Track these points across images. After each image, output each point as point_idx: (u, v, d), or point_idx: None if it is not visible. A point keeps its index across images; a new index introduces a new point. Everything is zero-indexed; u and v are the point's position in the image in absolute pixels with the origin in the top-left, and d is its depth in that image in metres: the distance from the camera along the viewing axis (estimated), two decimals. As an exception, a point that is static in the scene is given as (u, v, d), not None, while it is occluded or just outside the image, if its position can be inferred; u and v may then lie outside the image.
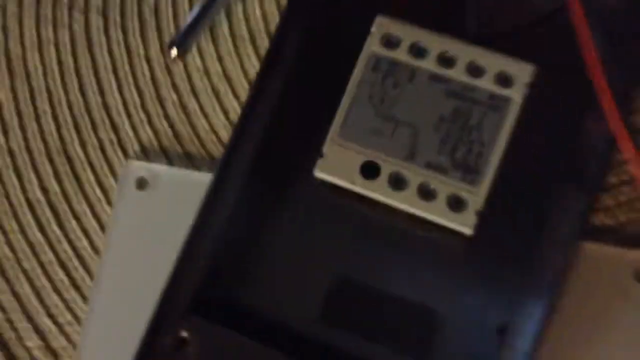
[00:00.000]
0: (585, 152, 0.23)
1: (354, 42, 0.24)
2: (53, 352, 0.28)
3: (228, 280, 0.24)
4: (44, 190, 0.30)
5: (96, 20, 0.31)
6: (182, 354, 0.22)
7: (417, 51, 0.24)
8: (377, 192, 0.24)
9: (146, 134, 0.30)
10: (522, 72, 0.23)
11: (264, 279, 0.24)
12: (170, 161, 0.29)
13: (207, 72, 0.30)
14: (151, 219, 0.28)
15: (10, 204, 0.30)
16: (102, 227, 0.29)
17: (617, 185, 0.27)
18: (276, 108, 0.25)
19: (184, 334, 0.23)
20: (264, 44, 0.30)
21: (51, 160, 0.30)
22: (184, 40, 0.28)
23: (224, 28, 0.30)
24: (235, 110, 0.29)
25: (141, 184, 0.29)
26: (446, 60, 0.24)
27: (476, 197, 0.23)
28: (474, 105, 0.23)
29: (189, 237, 0.24)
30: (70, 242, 0.29)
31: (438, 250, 0.24)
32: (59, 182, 0.30)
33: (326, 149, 0.24)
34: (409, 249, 0.24)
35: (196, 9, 0.28)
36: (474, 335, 0.23)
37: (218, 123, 0.29)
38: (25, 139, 0.30)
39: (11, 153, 0.30)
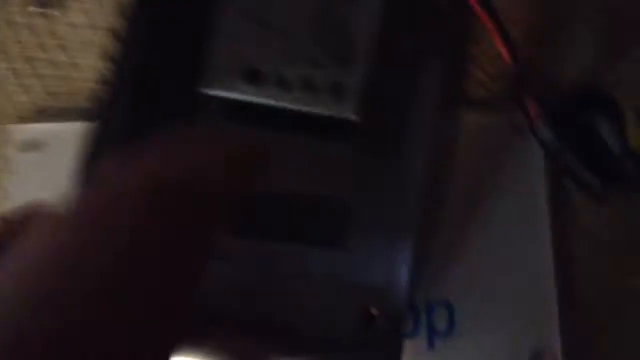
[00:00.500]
0: (441, 25, 0.25)
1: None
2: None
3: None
4: None
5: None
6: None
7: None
8: (264, 96, 0.24)
9: (21, 98, 0.29)
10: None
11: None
12: (50, 120, 0.28)
13: (73, 24, 0.29)
14: (44, 182, 0.28)
15: None
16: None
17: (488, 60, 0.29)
18: (149, 34, 0.25)
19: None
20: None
21: None
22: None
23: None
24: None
25: (26, 146, 0.28)
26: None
27: (353, 82, 0.24)
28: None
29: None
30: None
31: (331, 143, 0.25)
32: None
33: (207, 65, 0.24)
34: (305, 148, 0.25)
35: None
36: (377, 215, 0.25)
37: (91, 73, 0.29)
38: None
39: None
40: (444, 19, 0.25)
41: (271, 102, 0.24)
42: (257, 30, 0.25)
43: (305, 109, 0.24)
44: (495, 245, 0.27)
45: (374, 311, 0.23)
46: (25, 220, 0.13)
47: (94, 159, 0.23)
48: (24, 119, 0.28)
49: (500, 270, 0.27)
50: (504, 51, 0.23)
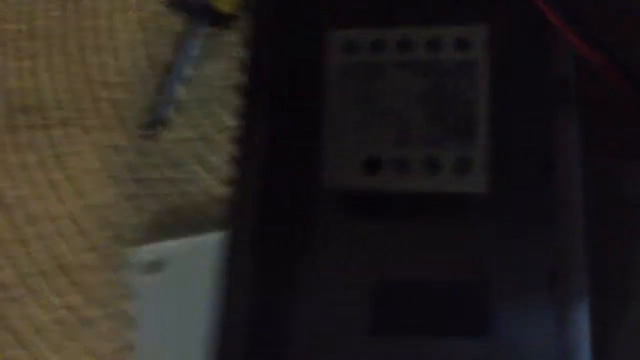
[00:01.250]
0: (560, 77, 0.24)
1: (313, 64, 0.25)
2: None
3: (273, 320, 0.23)
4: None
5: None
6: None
7: (377, 47, 0.25)
8: (385, 182, 0.24)
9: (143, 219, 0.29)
10: (476, 33, 0.25)
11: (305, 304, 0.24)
12: (175, 236, 0.29)
13: (184, 140, 0.30)
14: (170, 299, 0.27)
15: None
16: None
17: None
18: (267, 145, 0.25)
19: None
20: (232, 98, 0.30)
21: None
22: (154, 119, 0.28)
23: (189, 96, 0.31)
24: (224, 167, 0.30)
25: (152, 267, 0.28)
26: (405, 45, 0.25)
27: (478, 154, 0.24)
28: (446, 77, 0.25)
29: (224, 289, 0.23)
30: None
31: (462, 220, 0.24)
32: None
33: (326, 161, 0.24)
34: (436, 229, 0.24)
35: (157, 88, 0.29)
36: (526, 290, 0.23)
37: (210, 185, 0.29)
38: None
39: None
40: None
41: (393, 188, 0.24)
42: (371, 117, 0.25)
43: (429, 189, 0.24)
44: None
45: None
46: None
47: (231, 266, 0.23)
48: (141, 241, 0.29)
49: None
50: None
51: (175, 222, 0.29)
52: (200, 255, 0.27)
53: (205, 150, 0.30)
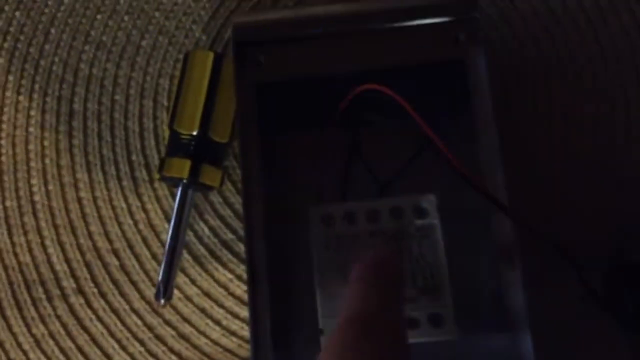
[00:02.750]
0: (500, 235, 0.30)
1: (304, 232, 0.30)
2: None
3: None
4: None
5: (76, 299, 0.35)
6: None
7: (349, 219, 0.30)
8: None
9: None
10: (430, 200, 0.30)
11: None
12: (193, 386, 0.33)
13: (187, 297, 0.34)
14: None
15: None
16: None
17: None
18: (273, 311, 0.30)
19: None
20: (224, 253, 0.35)
21: None
22: (165, 288, 0.32)
23: (186, 256, 0.35)
24: (226, 318, 0.34)
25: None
26: (373, 216, 0.30)
27: (447, 308, 0.29)
28: (410, 241, 0.30)
29: None
30: None
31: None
32: None
33: (322, 324, 0.29)
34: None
35: (165, 257, 0.33)
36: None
37: (216, 335, 0.34)
38: None
39: None
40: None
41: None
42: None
43: (412, 341, 0.29)
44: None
45: None
46: None
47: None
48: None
49: None
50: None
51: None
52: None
53: (208, 303, 0.34)
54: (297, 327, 0.30)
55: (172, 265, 0.32)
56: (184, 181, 0.33)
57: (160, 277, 0.32)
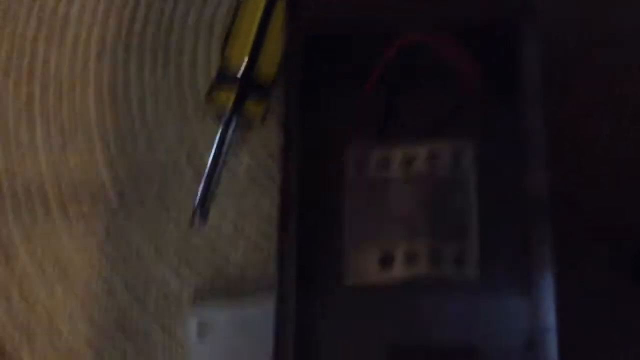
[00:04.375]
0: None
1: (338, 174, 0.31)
2: None
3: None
4: None
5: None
6: None
7: (384, 164, 0.31)
8: (399, 273, 0.30)
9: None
10: (467, 148, 0.31)
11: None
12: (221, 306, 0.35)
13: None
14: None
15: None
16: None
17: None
18: (301, 244, 0.31)
19: None
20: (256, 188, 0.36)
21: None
22: (202, 212, 0.34)
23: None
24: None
25: (201, 331, 0.34)
26: (408, 160, 0.31)
27: (472, 251, 0.30)
28: (443, 186, 0.31)
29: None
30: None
31: (458, 299, 0.31)
32: None
33: (347, 262, 0.30)
34: (437, 306, 0.31)
35: (201, 188, 0.35)
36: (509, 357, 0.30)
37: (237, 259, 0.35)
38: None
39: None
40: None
41: (405, 278, 0.30)
42: (383, 224, 0.31)
43: (433, 278, 0.30)
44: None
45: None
46: None
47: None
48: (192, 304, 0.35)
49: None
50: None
51: (216, 291, 0.35)
52: (244, 322, 0.33)
53: (234, 236, 0.36)
54: (322, 266, 0.31)
55: (208, 190, 0.34)
56: (228, 111, 0.34)
57: (197, 201, 0.34)
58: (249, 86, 0.34)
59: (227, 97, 0.34)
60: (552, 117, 0.30)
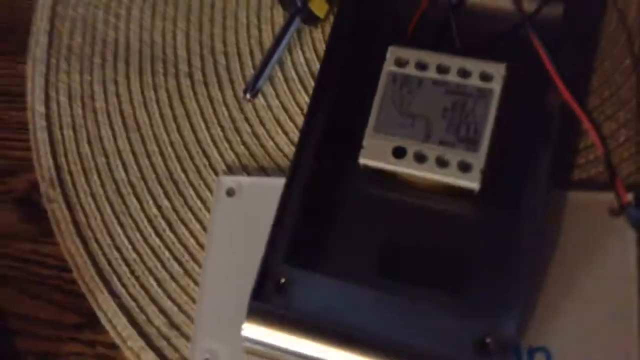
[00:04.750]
0: (548, 117, 0.32)
1: (375, 67, 0.34)
2: (176, 326, 0.37)
3: (310, 242, 0.33)
4: (158, 207, 0.40)
5: (184, 81, 0.42)
6: (282, 295, 0.31)
7: (421, 66, 0.34)
8: (407, 167, 0.33)
9: (230, 157, 0.40)
10: (498, 69, 0.33)
11: (335, 241, 0.33)
12: (249, 174, 0.39)
13: (269, 106, 0.40)
14: (240, 218, 0.38)
15: (134, 220, 0.40)
16: (204, 229, 0.39)
17: (586, 148, 0.36)
18: (326, 122, 0.35)
19: (282, 280, 0.32)
20: (309, 82, 0.40)
21: (161, 185, 0.40)
22: (253, 86, 0.38)
23: (278, 74, 0.41)
24: (293, 131, 0.39)
25: (229, 192, 0.38)
26: (442, 69, 0.33)
27: (478, 160, 0.32)
28: (467, 98, 0.33)
29: (278, 211, 0.33)
30: (181, 242, 0.39)
31: (457, 208, 0.33)
32: (169, 199, 0.40)
33: (365, 142, 0.33)
34: (436, 210, 0.33)
35: (259, 64, 0.39)
36: (496, 267, 0.32)
37: (281, 142, 0.39)
38: (141, 171, 0.41)
39: (131, 184, 0.40)
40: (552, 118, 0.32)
41: (412, 172, 0.33)
42: (405, 117, 0.33)
43: (437, 178, 0.32)
44: (589, 301, 0.32)
45: (489, 341, 0.29)
46: None
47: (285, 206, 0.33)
48: (231, 172, 0.39)
49: (593, 322, 0.32)
50: (597, 144, 0.30)
51: (251, 164, 0.39)
52: (268, 191, 0.37)
53: (283, 116, 0.40)
54: (342, 141, 0.35)
55: (264, 69, 0.38)
56: (296, 4, 0.38)
57: (252, 77, 0.38)
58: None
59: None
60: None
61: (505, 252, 0.31)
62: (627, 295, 0.32)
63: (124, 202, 0.40)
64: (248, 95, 0.39)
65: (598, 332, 0.32)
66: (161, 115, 0.41)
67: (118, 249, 0.39)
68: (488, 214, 0.33)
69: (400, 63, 0.34)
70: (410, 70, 0.34)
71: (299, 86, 0.40)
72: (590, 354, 0.32)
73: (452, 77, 0.33)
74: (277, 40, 0.39)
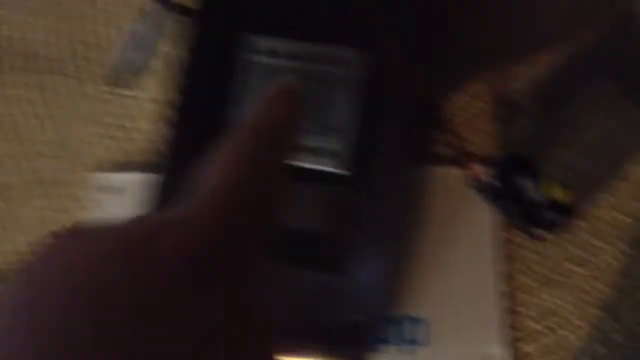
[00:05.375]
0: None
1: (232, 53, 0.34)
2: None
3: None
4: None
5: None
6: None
7: (274, 53, 0.34)
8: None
9: (102, 153, 0.39)
10: (352, 54, 0.33)
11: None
12: (124, 170, 0.38)
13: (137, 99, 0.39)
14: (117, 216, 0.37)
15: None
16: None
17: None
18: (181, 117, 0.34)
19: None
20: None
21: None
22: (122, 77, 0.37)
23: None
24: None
25: (105, 190, 0.37)
26: (297, 56, 0.33)
27: (345, 147, 0.33)
28: (325, 85, 0.33)
29: None
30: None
31: (332, 191, 0.34)
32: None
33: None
34: (314, 196, 0.34)
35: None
36: (364, 248, 0.33)
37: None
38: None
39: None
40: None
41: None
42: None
43: (311, 166, 0.33)
44: (453, 272, 0.35)
45: (359, 317, 0.31)
46: None
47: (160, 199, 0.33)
48: (102, 169, 0.38)
49: (457, 293, 0.35)
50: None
51: (124, 160, 0.38)
52: (144, 187, 0.36)
53: (153, 108, 0.39)
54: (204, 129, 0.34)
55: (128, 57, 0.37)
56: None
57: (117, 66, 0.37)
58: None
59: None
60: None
61: (374, 233, 0.33)
62: (485, 260, 0.35)
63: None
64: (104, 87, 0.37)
65: (459, 303, 0.35)
66: (35, 114, 0.39)
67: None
68: (359, 195, 0.34)
69: (254, 51, 0.34)
70: (265, 59, 0.34)
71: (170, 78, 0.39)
72: (459, 316, 0.35)
73: (307, 64, 0.34)
74: (148, 29, 0.38)
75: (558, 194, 0.31)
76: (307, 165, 0.33)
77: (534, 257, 0.34)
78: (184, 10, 0.38)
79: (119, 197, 0.37)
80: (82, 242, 0.16)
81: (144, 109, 0.39)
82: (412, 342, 0.35)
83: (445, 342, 0.35)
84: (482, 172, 0.32)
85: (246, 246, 0.18)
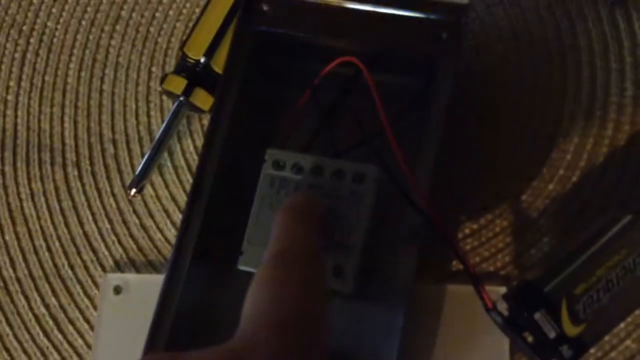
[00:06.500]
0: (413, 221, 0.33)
1: (254, 169, 0.34)
2: None
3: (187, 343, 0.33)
4: (46, 306, 0.39)
5: (72, 171, 0.41)
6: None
7: (297, 169, 0.34)
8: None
9: (117, 251, 0.39)
10: (371, 171, 0.33)
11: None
12: (137, 269, 0.39)
13: (158, 197, 0.40)
14: (127, 316, 0.37)
15: (22, 320, 0.39)
16: (92, 328, 0.38)
17: (462, 239, 0.36)
18: (205, 221, 0.34)
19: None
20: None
21: (49, 282, 0.39)
22: (139, 182, 0.38)
23: (168, 163, 0.40)
24: (182, 223, 0.39)
25: (116, 290, 0.38)
26: (317, 171, 0.33)
27: (351, 264, 0.32)
28: (342, 201, 0.33)
29: (155, 315, 0.33)
30: (69, 342, 0.38)
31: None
32: (57, 297, 0.39)
33: (244, 247, 0.33)
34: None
35: (146, 155, 0.38)
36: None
37: (170, 235, 0.39)
38: (28, 268, 0.40)
39: (19, 280, 0.40)
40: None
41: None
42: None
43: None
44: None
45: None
46: None
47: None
48: (118, 267, 0.39)
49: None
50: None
51: (139, 258, 0.39)
52: (155, 288, 0.36)
53: (172, 207, 0.39)
54: (220, 244, 0.34)
55: (151, 163, 0.38)
56: (180, 98, 0.38)
57: (138, 170, 0.38)
58: (204, 76, 0.38)
59: (178, 84, 0.37)
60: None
61: (379, 339, 0.32)
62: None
63: (12, 301, 0.39)
64: (132, 191, 0.38)
65: None
66: (48, 208, 0.41)
67: (7, 351, 0.38)
68: (362, 310, 0.34)
69: (278, 165, 0.34)
70: (287, 173, 0.34)
71: (188, 176, 0.40)
72: None
73: (326, 180, 0.33)
74: (163, 132, 0.39)
75: (572, 329, 0.29)
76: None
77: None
78: (202, 111, 0.39)
79: (132, 299, 0.38)
80: None
81: (167, 209, 0.40)
82: None
83: None
84: (496, 299, 0.31)
85: None
